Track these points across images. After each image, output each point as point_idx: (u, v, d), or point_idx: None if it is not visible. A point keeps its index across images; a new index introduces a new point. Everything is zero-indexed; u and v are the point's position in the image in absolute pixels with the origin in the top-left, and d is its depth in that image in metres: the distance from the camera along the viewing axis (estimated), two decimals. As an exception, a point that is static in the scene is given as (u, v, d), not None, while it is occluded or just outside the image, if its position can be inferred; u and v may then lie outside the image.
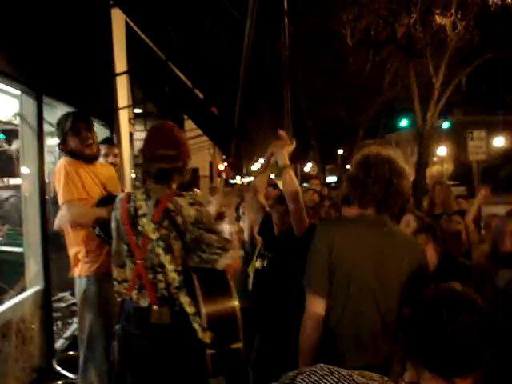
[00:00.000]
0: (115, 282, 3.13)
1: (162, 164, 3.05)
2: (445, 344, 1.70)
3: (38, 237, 5.43)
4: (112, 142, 4.75)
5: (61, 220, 4.09)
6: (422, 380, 1.75)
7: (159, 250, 2.93)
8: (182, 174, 3.14)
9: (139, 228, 2.99)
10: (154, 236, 2.93)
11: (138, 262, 2.98)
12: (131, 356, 3.02)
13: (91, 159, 4.24)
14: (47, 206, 5.68)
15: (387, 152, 2.75)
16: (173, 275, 2.94)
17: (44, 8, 5.77)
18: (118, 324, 3.13)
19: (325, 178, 27.17)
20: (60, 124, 4.27)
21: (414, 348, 1.79)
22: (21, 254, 5.69)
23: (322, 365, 1.37)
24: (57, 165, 4.18)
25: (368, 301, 2.63)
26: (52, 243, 5.53)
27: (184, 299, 2.92)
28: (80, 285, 4.12)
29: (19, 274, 5.72)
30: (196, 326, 2.86)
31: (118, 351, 3.06)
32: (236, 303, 2.93)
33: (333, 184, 34.42)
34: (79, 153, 4.17)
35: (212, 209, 4.38)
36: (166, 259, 2.93)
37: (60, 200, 4.02)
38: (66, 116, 4.31)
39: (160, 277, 2.96)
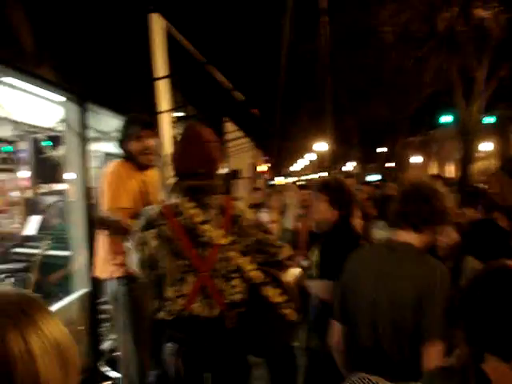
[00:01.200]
0: (169, 302, 2.95)
1: (192, 181, 3.01)
2: (507, 321, 1.65)
3: (84, 241, 5.51)
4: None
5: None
6: (484, 362, 1.69)
7: (234, 254, 2.95)
8: (215, 190, 3.06)
9: (203, 239, 2.94)
10: (224, 241, 2.94)
11: (203, 274, 2.94)
12: (204, 368, 3.00)
13: (144, 168, 4.27)
14: (92, 210, 5.77)
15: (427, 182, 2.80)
16: (255, 273, 2.99)
17: (86, 17, 5.88)
18: (168, 342, 3.03)
19: (365, 177, 26.91)
20: (125, 125, 4.30)
21: (476, 333, 1.73)
22: (68, 258, 5.79)
23: (364, 374, 1.35)
24: (108, 166, 4.21)
25: (365, 326, 2.68)
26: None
27: (273, 292, 2.99)
28: (111, 287, 4.16)
29: (67, 277, 5.83)
30: (287, 311, 2.98)
31: (186, 368, 2.97)
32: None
33: (376, 182, 34.08)
34: (135, 158, 4.20)
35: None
36: (244, 261, 2.97)
37: (104, 206, 4.05)
38: (132, 119, 4.34)
39: (234, 282, 2.97)
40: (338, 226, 3.87)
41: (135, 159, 4.21)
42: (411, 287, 2.54)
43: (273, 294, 3.00)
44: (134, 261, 3.09)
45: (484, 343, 1.71)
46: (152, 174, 4.50)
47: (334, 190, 3.89)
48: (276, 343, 3.15)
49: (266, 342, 3.08)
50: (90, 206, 5.68)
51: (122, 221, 3.75)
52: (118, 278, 4.12)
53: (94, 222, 3.66)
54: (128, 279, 4.04)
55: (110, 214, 3.96)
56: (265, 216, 5.37)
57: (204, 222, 2.95)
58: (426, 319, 2.48)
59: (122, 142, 4.28)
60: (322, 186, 3.97)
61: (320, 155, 41.70)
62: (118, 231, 3.73)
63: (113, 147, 7.07)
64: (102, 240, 4.25)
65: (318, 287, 3.79)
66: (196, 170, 3.02)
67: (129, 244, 3.36)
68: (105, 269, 4.20)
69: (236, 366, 3.07)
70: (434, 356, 2.37)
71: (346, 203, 3.90)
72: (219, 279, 2.95)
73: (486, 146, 42.30)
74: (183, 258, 2.94)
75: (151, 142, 4.28)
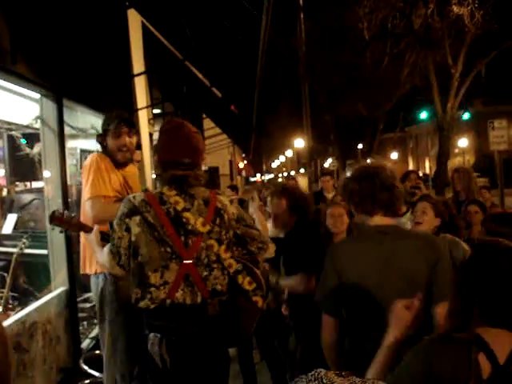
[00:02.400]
0: (153, 288, 2.93)
1: (176, 171, 3.01)
2: (507, 292, 1.85)
3: (62, 239, 5.48)
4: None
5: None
6: (489, 336, 1.86)
7: (212, 242, 2.98)
8: (199, 180, 3.09)
9: (187, 227, 2.96)
10: (205, 230, 2.96)
11: (187, 261, 2.95)
12: (189, 356, 3.01)
13: (121, 165, 4.26)
14: (70, 208, 5.72)
15: (381, 162, 2.95)
16: (230, 262, 3.04)
17: (61, 12, 5.82)
18: (150, 332, 3.00)
19: (344, 173, 27.05)
20: (106, 120, 4.29)
21: (479, 304, 1.91)
22: (46, 256, 5.75)
23: (320, 370, 1.36)
24: (87, 159, 4.19)
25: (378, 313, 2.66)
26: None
27: (245, 279, 3.05)
28: (97, 283, 4.12)
29: (44, 275, 5.79)
30: (257, 298, 3.05)
31: (170, 357, 2.95)
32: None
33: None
34: (112, 155, 4.19)
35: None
36: (221, 249, 3.00)
37: (85, 195, 4.02)
38: (114, 116, 4.33)
39: (216, 271, 3.00)
40: (298, 228, 4.13)
41: (112, 156, 4.19)
42: (422, 260, 2.66)
43: (243, 282, 3.06)
44: (104, 255, 3.07)
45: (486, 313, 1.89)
46: (131, 170, 4.48)
47: (291, 195, 4.19)
48: (246, 331, 3.20)
49: (238, 329, 3.12)
50: (68, 204, 5.64)
51: (76, 218, 3.68)
52: (105, 273, 4.08)
53: (50, 220, 3.56)
54: (116, 276, 4.01)
55: (93, 203, 3.92)
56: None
57: (185, 210, 2.96)
58: (437, 284, 2.63)
59: (101, 138, 4.27)
60: (280, 192, 4.23)
61: (298, 152, 41.87)
62: (73, 228, 3.67)
63: (89, 144, 7.03)
64: (84, 235, 4.21)
65: (295, 282, 3.90)
66: (180, 159, 3.02)
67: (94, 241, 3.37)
68: (90, 264, 4.16)
69: (219, 354, 3.09)
70: (444, 315, 2.45)
71: (302, 206, 4.20)
72: (202, 268, 2.97)
73: (463, 142, 42.80)
74: (167, 245, 2.94)
75: (128, 139, 4.27)
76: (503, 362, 1.82)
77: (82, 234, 4.11)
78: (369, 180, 2.76)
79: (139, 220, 2.95)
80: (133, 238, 2.96)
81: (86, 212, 4.00)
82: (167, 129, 3.25)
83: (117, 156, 4.18)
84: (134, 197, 3.03)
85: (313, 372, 1.31)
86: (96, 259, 3.92)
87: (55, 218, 3.54)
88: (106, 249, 3.05)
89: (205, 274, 2.97)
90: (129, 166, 4.38)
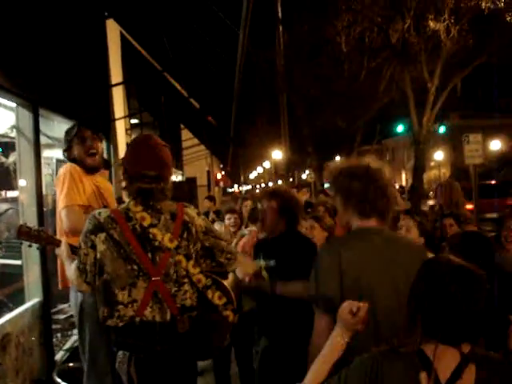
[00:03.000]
0: (121, 306, 2.88)
1: (142, 184, 2.97)
2: (439, 310, 1.87)
3: (37, 249, 5.41)
4: (108, 165, 4.73)
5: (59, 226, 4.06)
6: (425, 345, 1.90)
7: (181, 258, 2.96)
8: (164, 194, 3.05)
9: (154, 243, 2.93)
10: (172, 245, 2.94)
11: (155, 278, 2.91)
12: (157, 374, 2.96)
13: (92, 170, 4.24)
14: (45, 217, 5.67)
15: (376, 163, 2.83)
16: (199, 277, 3.03)
17: (39, 20, 5.79)
18: (119, 350, 2.98)
19: (322, 185, 27.11)
20: (68, 131, 4.28)
21: (425, 318, 1.92)
22: (19, 267, 5.68)
23: None
24: (60, 170, 4.17)
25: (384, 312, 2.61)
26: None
27: (214, 294, 3.08)
28: (76, 296, 4.08)
29: (18, 286, 5.72)
30: (228, 313, 3.09)
31: (137, 374, 2.92)
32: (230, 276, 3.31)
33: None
34: (81, 161, 4.17)
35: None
36: (189, 264, 2.99)
37: (60, 205, 3.99)
38: (74, 124, 4.33)
39: (185, 287, 2.98)
40: (287, 232, 4.06)
41: (82, 162, 4.17)
42: (414, 270, 2.61)
43: (212, 297, 3.08)
44: (72, 271, 3.03)
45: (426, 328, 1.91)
46: (106, 185, 4.47)
47: (282, 198, 4.09)
48: (218, 345, 3.22)
49: (209, 343, 3.14)
50: (43, 214, 5.59)
51: (44, 232, 3.63)
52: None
53: (18, 234, 3.48)
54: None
55: (68, 212, 3.89)
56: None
57: (152, 226, 2.93)
58: None
59: (67, 151, 4.24)
60: (271, 195, 4.14)
61: (275, 163, 41.95)
62: (41, 242, 3.61)
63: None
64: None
65: (296, 287, 3.83)
66: (146, 172, 2.98)
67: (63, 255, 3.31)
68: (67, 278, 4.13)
69: (187, 370, 3.09)
70: None
71: (293, 210, 4.11)
72: (171, 284, 2.94)
73: (438, 155, 43.24)
74: (134, 262, 2.90)
75: (95, 142, 4.26)
76: (446, 379, 1.82)
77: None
78: (370, 183, 2.72)
79: (104, 237, 2.90)
80: (98, 256, 2.91)
81: (62, 221, 3.98)
82: (134, 141, 3.26)
83: (86, 161, 4.18)
84: (99, 213, 2.99)
85: None
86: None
87: (22, 233, 3.47)
88: (74, 265, 3.01)
89: (174, 290, 2.95)
90: (102, 179, 4.37)
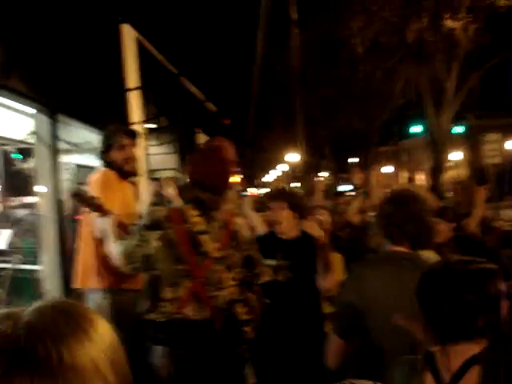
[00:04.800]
0: (166, 303, 3.02)
1: (201, 193, 3.08)
2: (444, 312, 1.88)
3: (56, 254, 5.43)
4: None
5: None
6: (439, 351, 1.90)
7: (221, 267, 3.05)
8: (219, 204, 3.14)
9: (202, 248, 3.02)
10: (218, 255, 3.03)
11: (198, 280, 3.01)
12: (195, 370, 3.02)
13: (128, 175, 4.29)
14: (64, 223, 5.69)
15: (416, 190, 2.88)
16: (232, 290, 3.10)
17: (56, 28, 5.81)
18: (156, 345, 3.07)
19: (337, 187, 27.10)
20: (108, 135, 4.30)
21: (429, 321, 1.96)
22: (39, 272, 5.69)
23: (351, 380, 1.38)
24: (94, 174, 4.20)
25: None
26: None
27: (241, 310, 3.13)
28: (93, 298, 4.08)
29: (37, 291, 5.73)
30: (248, 329, 3.14)
31: (176, 370, 3.01)
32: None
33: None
34: (119, 167, 4.21)
35: None
36: (227, 277, 3.08)
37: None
38: (115, 129, 4.34)
39: (222, 292, 3.06)
40: (304, 232, 4.07)
41: (120, 168, 4.21)
42: None
43: (240, 312, 3.13)
44: (115, 250, 3.14)
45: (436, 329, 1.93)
46: (131, 187, 4.48)
47: (290, 196, 4.17)
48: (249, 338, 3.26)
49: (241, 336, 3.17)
50: (62, 219, 5.60)
51: (97, 199, 3.69)
52: (103, 289, 4.05)
53: (72, 196, 3.61)
54: (113, 292, 3.99)
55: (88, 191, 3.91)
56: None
57: (204, 233, 3.02)
58: None
59: (104, 153, 4.26)
60: (279, 194, 4.21)
61: (292, 166, 41.91)
62: (94, 208, 3.68)
63: (84, 159, 7.00)
64: (85, 249, 4.17)
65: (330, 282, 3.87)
66: (208, 183, 3.09)
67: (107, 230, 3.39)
68: (88, 279, 4.12)
69: (227, 365, 3.14)
70: None
71: (303, 208, 4.22)
72: (210, 287, 3.04)
73: (456, 156, 42.92)
74: (182, 263, 3.00)
75: (134, 150, 4.31)
76: (449, 379, 1.83)
77: (81, 248, 4.11)
78: (401, 208, 2.73)
79: (160, 235, 2.99)
80: (151, 252, 3.00)
81: (96, 226, 3.97)
82: (206, 148, 3.43)
83: (124, 168, 4.23)
84: (159, 210, 3.12)
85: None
86: (96, 273, 3.94)
87: (76, 195, 3.62)
88: (120, 247, 3.08)
89: (212, 293, 3.03)
90: (130, 186, 4.38)
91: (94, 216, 3.93)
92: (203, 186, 3.08)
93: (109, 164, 4.24)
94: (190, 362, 3.01)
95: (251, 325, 3.16)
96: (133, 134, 4.38)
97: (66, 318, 0.86)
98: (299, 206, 4.16)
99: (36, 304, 0.89)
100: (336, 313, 2.89)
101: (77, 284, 4.20)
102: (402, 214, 2.72)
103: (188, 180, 3.24)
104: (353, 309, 2.71)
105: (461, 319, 1.87)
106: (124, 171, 4.24)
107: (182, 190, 3.21)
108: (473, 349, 1.86)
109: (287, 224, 4.11)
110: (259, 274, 3.31)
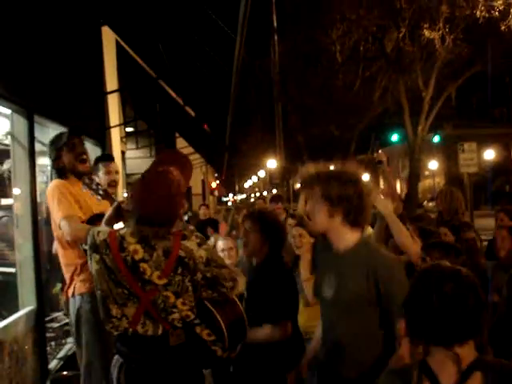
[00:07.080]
0: (115, 319, 2.89)
1: (145, 228, 2.88)
2: (436, 312, 1.84)
3: (31, 257, 5.38)
4: (112, 158, 4.71)
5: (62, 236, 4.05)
6: (429, 355, 1.89)
7: (169, 294, 2.86)
8: (163, 236, 2.92)
9: (144, 276, 2.84)
10: (160, 282, 2.84)
11: (145, 301, 2.87)
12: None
13: (82, 175, 4.21)
14: (39, 226, 5.63)
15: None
16: (187, 313, 2.91)
17: (34, 27, 5.78)
18: (116, 354, 3.00)
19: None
20: (54, 141, 4.26)
21: (414, 326, 1.92)
22: (13, 275, 5.63)
23: None
24: (49, 186, 4.17)
25: None
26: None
27: (202, 331, 2.94)
28: (74, 304, 4.07)
29: (12, 294, 5.67)
30: (216, 348, 2.94)
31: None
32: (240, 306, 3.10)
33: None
34: (72, 169, 4.15)
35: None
36: (178, 302, 2.88)
37: (57, 217, 3.96)
38: (60, 133, 4.31)
39: (174, 315, 2.88)
40: (268, 259, 3.81)
41: (72, 170, 4.15)
42: None
43: (201, 333, 2.95)
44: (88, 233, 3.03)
45: (427, 335, 1.88)
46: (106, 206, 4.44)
47: (266, 221, 3.85)
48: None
49: (213, 353, 3.04)
50: (38, 221, 5.55)
51: (103, 188, 3.73)
52: (82, 294, 4.03)
53: (114, 214, 3.40)
54: (92, 296, 3.95)
55: (68, 222, 3.88)
56: (221, 244, 5.33)
57: (143, 261, 2.84)
58: None
59: (55, 160, 4.21)
60: (255, 217, 3.89)
61: (270, 172, 41.98)
62: (98, 194, 3.78)
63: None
64: (69, 255, 4.14)
65: (272, 333, 3.60)
66: (152, 217, 2.88)
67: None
68: (70, 287, 4.11)
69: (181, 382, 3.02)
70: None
71: (278, 234, 3.87)
72: (160, 311, 2.87)
73: (432, 165, 43.34)
74: (124, 287, 2.87)
75: (82, 148, 4.25)
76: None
77: (59, 252, 4.11)
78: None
79: (98, 259, 2.89)
80: (93, 272, 2.92)
81: (64, 231, 3.95)
82: (149, 179, 3.04)
83: (78, 168, 4.17)
84: (98, 233, 2.94)
85: None
86: (75, 280, 3.93)
87: (83, 182, 3.81)
88: (89, 237, 2.97)
89: (163, 315, 2.88)
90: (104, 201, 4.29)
91: (59, 220, 3.93)
92: (143, 220, 2.89)
93: (61, 170, 4.18)
94: (139, 378, 2.93)
95: (218, 345, 2.95)
96: (78, 132, 4.33)
97: None
98: (273, 230, 3.84)
99: None
100: None
101: (67, 294, 4.19)
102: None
103: (132, 205, 2.99)
104: None
105: (455, 319, 1.84)
106: (77, 171, 4.17)
107: (130, 215, 3.03)
108: (468, 354, 1.84)
109: (254, 248, 3.83)
110: (227, 291, 3.00)
